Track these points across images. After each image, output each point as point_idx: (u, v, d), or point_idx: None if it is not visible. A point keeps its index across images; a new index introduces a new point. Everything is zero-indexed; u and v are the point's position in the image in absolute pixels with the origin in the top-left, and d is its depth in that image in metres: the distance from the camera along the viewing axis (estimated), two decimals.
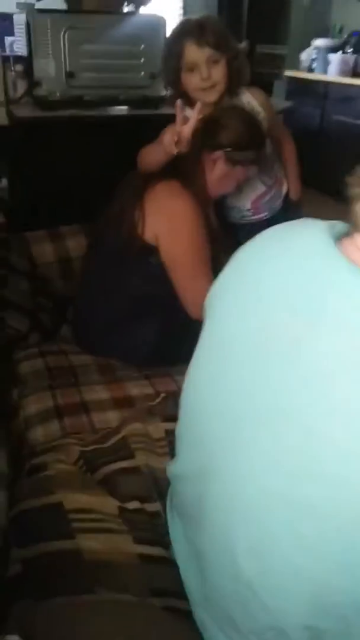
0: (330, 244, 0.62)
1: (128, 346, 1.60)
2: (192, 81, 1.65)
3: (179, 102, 1.52)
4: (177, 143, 1.40)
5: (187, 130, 1.39)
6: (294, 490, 0.59)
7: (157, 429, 1.06)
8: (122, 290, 1.57)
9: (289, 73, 3.82)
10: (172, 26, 1.73)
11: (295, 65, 4.07)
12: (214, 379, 0.72)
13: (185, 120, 1.40)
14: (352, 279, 0.58)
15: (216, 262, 1.61)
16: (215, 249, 1.60)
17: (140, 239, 1.49)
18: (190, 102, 1.69)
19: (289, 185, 1.99)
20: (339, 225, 0.65)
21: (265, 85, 2.26)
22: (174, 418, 1.09)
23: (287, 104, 3.08)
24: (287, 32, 2.50)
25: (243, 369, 0.67)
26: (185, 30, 1.61)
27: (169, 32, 1.75)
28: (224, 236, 1.77)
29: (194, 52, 1.61)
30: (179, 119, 1.40)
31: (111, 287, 1.59)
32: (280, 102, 2.70)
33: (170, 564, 0.88)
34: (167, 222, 1.49)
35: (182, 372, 1.51)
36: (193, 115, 1.42)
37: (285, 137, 1.97)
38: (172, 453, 1.02)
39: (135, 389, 1.43)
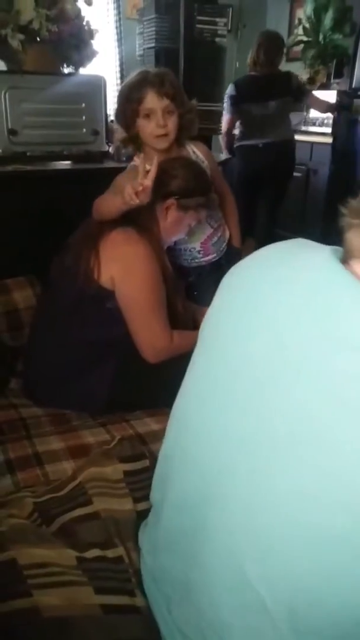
0: (336, 262, 0.63)
1: (83, 395, 1.57)
2: (147, 127, 1.72)
3: (141, 156, 1.59)
4: (138, 194, 1.43)
5: (148, 181, 1.44)
6: (313, 517, 0.56)
7: (115, 470, 1.02)
8: (77, 338, 1.56)
9: None
10: (112, 85, 1.81)
11: None
12: (220, 403, 0.70)
13: (144, 172, 1.45)
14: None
15: (171, 305, 1.63)
16: (170, 293, 1.63)
17: (97, 283, 1.50)
18: (138, 147, 1.76)
19: (231, 232, 2.06)
20: (339, 250, 0.66)
21: (203, 139, 2.38)
22: (131, 459, 1.06)
23: (225, 156, 3.23)
24: (222, 92, 2.65)
25: (254, 391, 0.65)
26: (147, 80, 1.69)
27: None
28: (177, 280, 1.81)
29: (153, 101, 1.69)
30: (141, 170, 1.45)
31: (65, 335, 1.57)
32: (218, 155, 2.82)
33: (135, 611, 0.83)
34: (123, 266, 1.51)
35: (139, 417, 1.50)
36: (152, 167, 1.47)
37: (225, 187, 2.06)
38: (133, 494, 0.98)
39: (91, 436, 1.38)
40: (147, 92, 1.69)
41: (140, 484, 1.02)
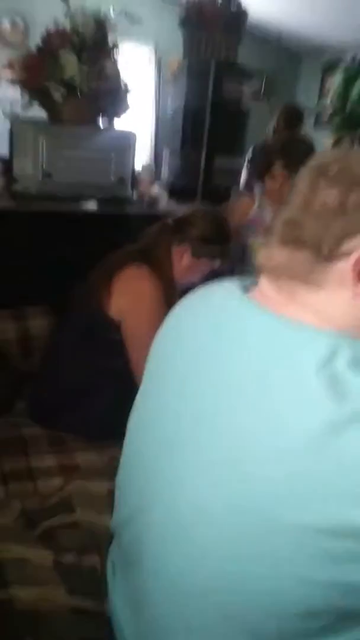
0: (240, 293, 0.73)
1: (82, 420, 1.64)
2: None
3: None
4: None
5: None
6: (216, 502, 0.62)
7: (100, 486, 1.09)
8: (82, 365, 1.64)
9: None
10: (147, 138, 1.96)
11: None
12: (146, 418, 0.79)
13: None
14: (256, 315, 0.67)
15: None
16: None
17: (106, 314, 1.60)
18: None
19: None
20: (249, 280, 0.76)
21: (223, 195, 2.54)
22: None
23: None
24: (243, 150, 2.82)
25: (171, 401, 0.74)
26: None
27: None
28: None
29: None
30: None
31: (72, 362, 1.67)
32: None
33: (102, 617, 0.89)
34: (131, 300, 1.61)
35: None
36: None
37: None
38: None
39: (84, 456, 1.45)
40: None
41: None
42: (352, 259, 0.61)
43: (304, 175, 0.67)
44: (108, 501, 1.08)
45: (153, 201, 2.51)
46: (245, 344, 0.66)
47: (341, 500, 0.53)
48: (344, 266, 0.62)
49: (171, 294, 1.72)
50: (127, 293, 1.62)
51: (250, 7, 4.78)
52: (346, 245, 0.61)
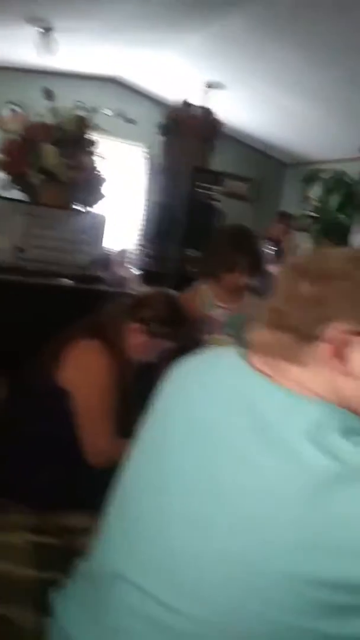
0: (243, 364, 0.79)
1: (28, 488, 1.61)
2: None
3: None
4: None
5: None
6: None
7: (21, 537, 1.10)
8: (31, 432, 1.66)
9: None
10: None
11: None
12: (140, 471, 0.85)
13: None
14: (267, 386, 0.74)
15: (125, 416, 1.73)
16: (126, 407, 1.71)
17: (56, 383, 1.64)
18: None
19: None
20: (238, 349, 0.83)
21: (191, 282, 2.69)
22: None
23: None
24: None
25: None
26: None
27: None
28: (135, 397, 1.94)
29: None
30: None
31: (21, 429, 1.68)
32: None
33: None
34: (81, 372, 1.66)
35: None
36: None
37: None
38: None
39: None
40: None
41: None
42: (331, 339, 0.71)
43: (286, 272, 0.79)
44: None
45: (123, 282, 2.65)
46: (243, 405, 0.73)
47: (329, 553, 0.59)
48: (324, 346, 0.71)
49: (123, 368, 1.76)
50: (77, 366, 1.67)
51: (241, 121, 5.28)
52: (324, 329, 0.71)
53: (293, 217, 4.21)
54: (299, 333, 0.73)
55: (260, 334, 0.78)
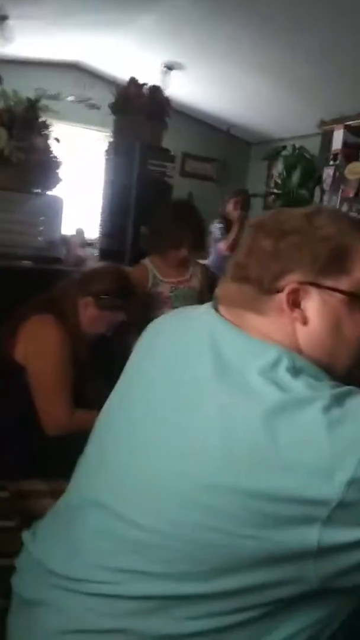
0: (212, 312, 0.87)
1: None
2: None
3: None
4: None
5: None
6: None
7: None
8: None
9: None
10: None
11: None
12: (113, 414, 0.93)
13: None
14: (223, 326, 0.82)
15: (80, 387, 1.81)
16: (80, 377, 1.81)
17: (12, 358, 1.71)
18: None
19: None
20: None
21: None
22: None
23: None
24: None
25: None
26: None
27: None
28: (91, 369, 2.02)
29: None
30: None
31: None
32: None
33: None
34: (35, 346, 1.73)
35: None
36: None
37: None
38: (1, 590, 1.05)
39: None
40: None
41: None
42: (286, 290, 0.78)
43: (248, 230, 0.86)
44: None
45: (81, 261, 2.72)
46: (208, 348, 0.80)
47: (272, 469, 0.65)
48: (281, 297, 0.78)
49: (77, 342, 1.82)
50: (31, 339, 1.74)
51: (203, 102, 5.33)
52: (281, 281, 0.78)
53: (247, 193, 4.34)
54: (259, 285, 0.80)
55: (225, 286, 0.86)
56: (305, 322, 0.79)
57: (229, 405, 0.71)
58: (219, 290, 0.88)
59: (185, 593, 0.73)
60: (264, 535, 0.66)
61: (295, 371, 0.73)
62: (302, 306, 0.79)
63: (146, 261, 2.47)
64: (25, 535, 0.95)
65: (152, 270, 2.43)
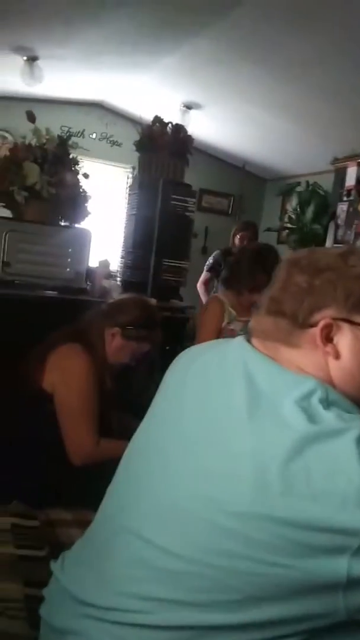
0: (245, 343, 0.89)
1: (14, 490, 1.70)
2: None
3: None
4: None
5: None
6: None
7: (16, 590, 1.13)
8: (20, 437, 1.75)
9: None
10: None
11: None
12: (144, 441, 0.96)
13: None
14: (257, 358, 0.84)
15: (104, 416, 1.84)
16: (105, 406, 1.85)
17: (39, 386, 1.75)
18: None
19: None
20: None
21: (171, 290, 2.85)
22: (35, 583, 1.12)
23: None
24: (188, 253, 3.17)
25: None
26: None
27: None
28: (115, 399, 2.06)
29: None
30: None
31: (9, 435, 1.76)
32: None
33: None
34: (62, 374, 1.76)
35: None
36: None
37: None
38: (31, 620, 1.04)
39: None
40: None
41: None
42: (320, 325, 0.81)
43: (283, 266, 0.89)
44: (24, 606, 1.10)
45: (105, 292, 2.79)
46: (243, 377, 0.82)
47: (302, 499, 0.67)
48: (315, 331, 0.81)
49: (103, 371, 1.87)
50: (59, 368, 1.78)
51: (220, 139, 5.48)
52: (315, 316, 0.81)
53: (255, 225, 4.51)
54: (293, 319, 0.83)
55: (259, 320, 0.89)
56: (337, 356, 0.82)
57: (261, 433, 0.73)
58: (252, 324, 0.91)
59: (214, 623, 0.74)
60: (295, 564, 0.67)
61: (327, 403, 0.76)
62: (334, 341, 0.82)
63: (221, 296, 2.53)
64: (54, 565, 0.97)
65: (227, 308, 2.48)
